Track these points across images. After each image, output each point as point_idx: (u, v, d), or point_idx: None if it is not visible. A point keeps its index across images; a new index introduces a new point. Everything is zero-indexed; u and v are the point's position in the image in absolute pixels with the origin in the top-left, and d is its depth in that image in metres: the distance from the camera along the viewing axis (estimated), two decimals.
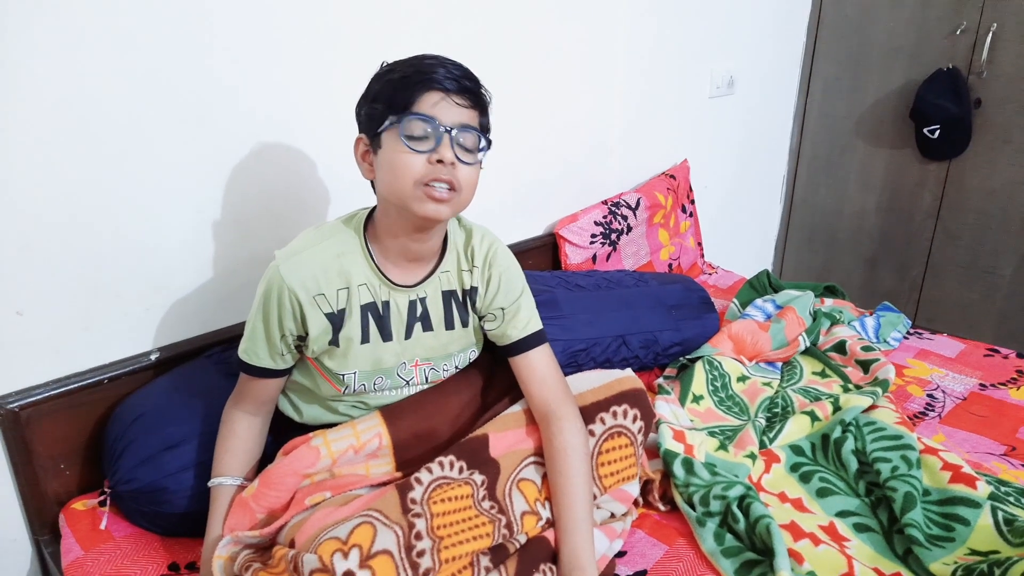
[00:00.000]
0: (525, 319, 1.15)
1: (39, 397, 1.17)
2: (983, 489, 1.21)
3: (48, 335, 1.19)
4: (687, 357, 1.68)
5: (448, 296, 1.11)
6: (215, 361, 1.28)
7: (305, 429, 1.12)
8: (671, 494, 1.26)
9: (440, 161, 0.95)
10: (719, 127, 2.50)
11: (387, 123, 0.96)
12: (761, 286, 2.07)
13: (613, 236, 1.99)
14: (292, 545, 0.93)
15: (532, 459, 1.11)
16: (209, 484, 1.09)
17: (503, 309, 1.14)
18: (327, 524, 0.90)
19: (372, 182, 1.05)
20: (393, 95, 0.96)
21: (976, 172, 2.51)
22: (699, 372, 1.58)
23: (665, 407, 1.45)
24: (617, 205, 2.03)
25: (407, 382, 1.12)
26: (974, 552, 1.12)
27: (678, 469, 1.26)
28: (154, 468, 1.13)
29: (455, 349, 1.14)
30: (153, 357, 1.29)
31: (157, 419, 1.17)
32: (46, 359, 1.20)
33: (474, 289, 1.12)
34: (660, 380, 1.63)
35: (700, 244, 2.38)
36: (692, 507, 1.21)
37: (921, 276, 2.75)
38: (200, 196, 1.30)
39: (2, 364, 1.15)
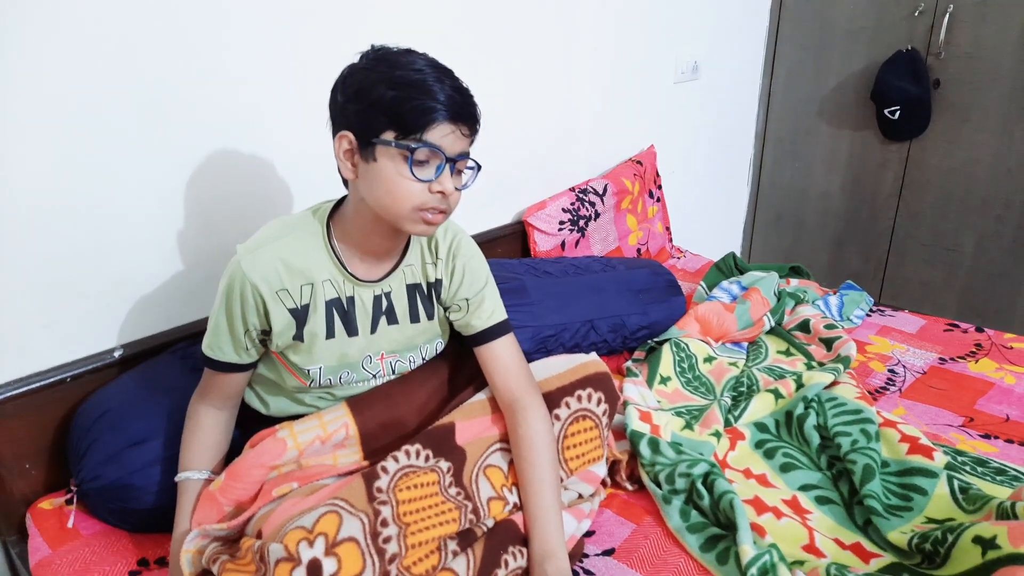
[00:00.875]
0: (489, 309, 1.16)
1: (1, 397, 1.16)
2: (940, 459, 1.24)
3: (8, 333, 1.18)
4: (655, 340, 1.71)
5: (413, 289, 1.12)
6: (180, 356, 1.28)
7: (273, 421, 1.12)
8: (638, 474, 1.28)
9: (441, 191, 0.96)
10: (685, 112, 2.52)
11: (388, 140, 0.94)
12: (728, 268, 2.09)
13: (581, 223, 2.00)
14: (259, 536, 0.94)
15: (498, 446, 1.12)
16: (176, 479, 1.09)
17: (467, 300, 1.15)
18: (293, 514, 0.91)
19: (347, 180, 1.03)
20: (400, 114, 0.93)
21: (936, 152, 2.56)
22: (666, 354, 1.61)
23: (633, 389, 1.47)
24: (584, 192, 2.04)
25: (373, 375, 1.13)
26: (931, 520, 1.15)
27: (644, 449, 1.28)
28: (120, 465, 1.13)
29: (421, 341, 1.15)
30: (117, 354, 1.28)
31: (122, 416, 1.17)
32: (7, 358, 1.19)
33: (439, 281, 1.13)
34: (628, 363, 1.65)
35: (668, 229, 2.40)
36: (658, 485, 1.24)
37: (885, 255, 2.80)
38: (162, 190, 1.29)
39: None
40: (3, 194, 1.13)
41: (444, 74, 0.96)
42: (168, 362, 1.27)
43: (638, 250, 2.21)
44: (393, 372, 1.15)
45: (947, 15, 2.38)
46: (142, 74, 1.21)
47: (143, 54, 1.21)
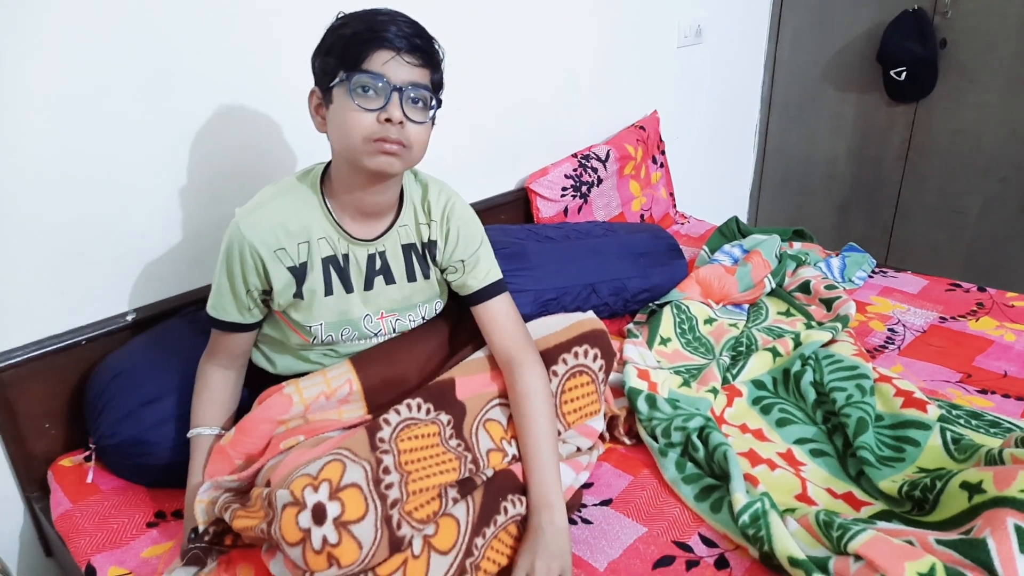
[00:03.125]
0: (484, 269, 1.19)
1: (20, 359, 1.21)
2: (933, 412, 1.27)
3: (26, 298, 1.22)
4: (656, 303, 1.73)
5: (408, 249, 1.14)
6: (189, 320, 1.32)
7: (280, 380, 1.16)
8: (636, 429, 1.31)
9: (388, 120, 0.97)
10: (688, 77, 2.52)
11: (337, 79, 0.97)
12: (730, 232, 2.11)
13: (583, 188, 2.02)
14: (268, 485, 0.98)
15: (497, 401, 1.15)
16: (188, 435, 1.13)
17: (463, 261, 1.17)
18: (300, 463, 0.95)
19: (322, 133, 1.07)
20: (344, 51, 0.97)
21: (943, 113, 2.54)
22: (667, 316, 1.63)
23: (633, 350, 1.50)
24: (587, 158, 2.05)
25: (375, 334, 1.16)
26: (922, 470, 1.18)
27: (642, 405, 1.31)
28: (135, 422, 1.17)
29: (419, 300, 1.18)
30: (130, 318, 1.32)
31: (136, 376, 1.21)
32: (24, 323, 1.23)
33: (433, 243, 1.15)
34: (629, 325, 1.67)
35: (672, 194, 2.41)
36: (655, 440, 1.27)
37: (891, 219, 2.79)
38: (167, 160, 1.33)
39: None
40: (15, 164, 1.16)
41: (401, 16, 0.99)
42: (178, 325, 1.31)
43: (641, 216, 2.22)
44: (394, 331, 1.18)
45: None
46: (141, 50, 1.24)
47: (143, 30, 1.23)
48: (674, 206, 2.41)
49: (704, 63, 2.55)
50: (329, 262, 1.08)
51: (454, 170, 1.80)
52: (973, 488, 0.98)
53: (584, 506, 1.16)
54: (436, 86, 1.03)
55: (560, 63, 2.02)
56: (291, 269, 1.06)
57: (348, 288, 1.10)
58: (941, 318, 1.71)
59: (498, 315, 1.17)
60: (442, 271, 1.19)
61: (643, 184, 2.24)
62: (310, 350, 1.14)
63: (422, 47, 0.99)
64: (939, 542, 0.92)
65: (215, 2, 1.30)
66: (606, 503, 1.17)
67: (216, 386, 1.14)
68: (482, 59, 1.79)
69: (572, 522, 1.13)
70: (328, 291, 1.09)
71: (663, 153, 2.37)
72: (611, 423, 1.31)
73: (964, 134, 2.52)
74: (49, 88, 1.17)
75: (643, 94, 2.35)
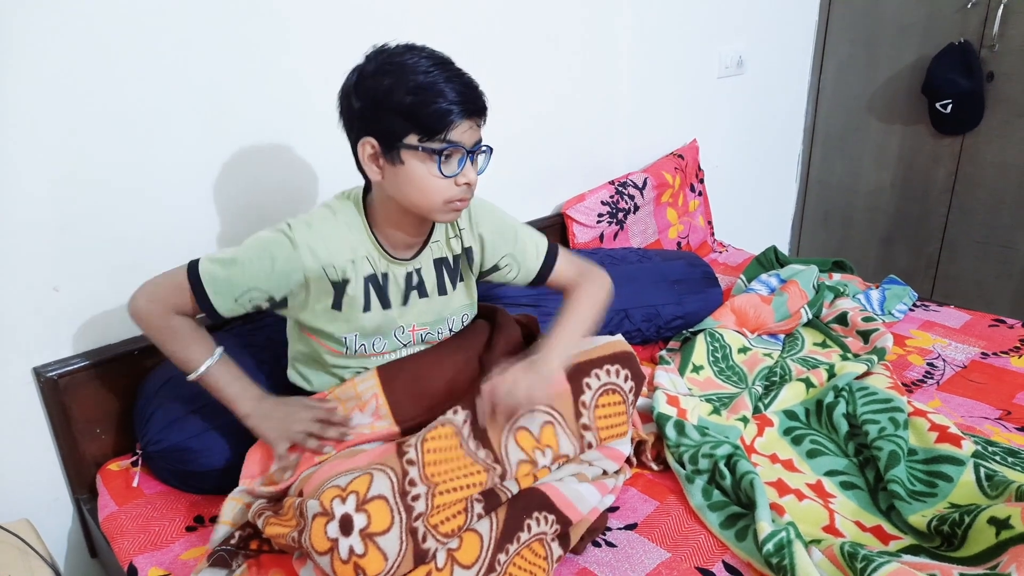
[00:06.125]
0: (533, 247, 1.26)
1: (76, 366, 1.28)
2: (968, 448, 1.25)
3: (83, 309, 1.30)
4: (690, 330, 1.74)
5: (440, 263, 1.20)
6: (235, 334, 1.38)
7: None
8: (664, 455, 1.32)
9: (467, 183, 1.06)
10: (729, 107, 2.53)
11: (414, 144, 1.02)
12: (768, 262, 2.10)
13: (620, 215, 2.04)
14: (301, 495, 1.02)
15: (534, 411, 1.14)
16: (197, 375, 1.11)
17: (511, 254, 1.24)
18: (331, 475, 0.98)
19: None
20: (420, 118, 1.00)
21: (990, 146, 2.50)
22: (700, 344, 1.64)
23: (664, 376, 1.50)
24: (624, 185, 2.08)
25: (404, 344, 1.20)
26: (954, 506, 1.16)
27: (670, 431, 1.32)
28: (180, 430, 1.23)
29: (448, 313, 1.22)
30: None
31: (183, 385, 1.25)
32: (82, 331, 1.30)
33: (468, 250, 1.21)
34: (662, 352, 1.68)
35: (710, 223, 2.42)
36: (682, 466, 1.27)
37: (937, 253, 2.75)
38: (220, 178, 1.40)
39: (42, 336, 1.26)
40: (80, 187, 1.24)
41: (451, 71, 1.03)
42: (223, 339, 1.36)
43: (678, 243, 2.23)
44: (423, 342, 1.22)
45: (1001, 6, 2.33)
46: (195, 87, 1.32)
47: (196, 67, 1.32)
48: (712, 234, 2.42)
49: (745, 93, 2.57)
50: (370, 280, 1.13)
51: (491, 194, 1.84)
52: (1001, 523, 0.97)
53: (609, 529, 1.17)
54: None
55: (598, 91, 2.06)
56: (334, 283, 1.10)
57: (386, 304, 1.15)
58: (983, 354, 1.68)
59: (567, 272, 1.28)
60: (491, 272, 1.25)
61: (680, 212, 2.25)
62: (344, 368, 1.18)
63: (483, 108, 1.06)
64: None
65: (262, 31, 1.38)
66: (631, 527, 1.18)
67: (188, 327, 1.12)
68: (520, 85, 1.84)
69: (596, 544, 1.14)
70: (367, 307, 1.13)
71: (702, 182, 2.38)
72: (638, 448, 1.32)
73: (1012, 167, 2.47)
74: (117, 115, 1.25)
75: (682, 123, 2.37)
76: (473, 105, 1.03)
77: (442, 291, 1.20)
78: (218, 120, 1.37)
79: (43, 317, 1.26)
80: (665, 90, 2.26)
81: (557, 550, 1.07)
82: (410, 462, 0.99)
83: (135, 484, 1.28)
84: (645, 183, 2.11)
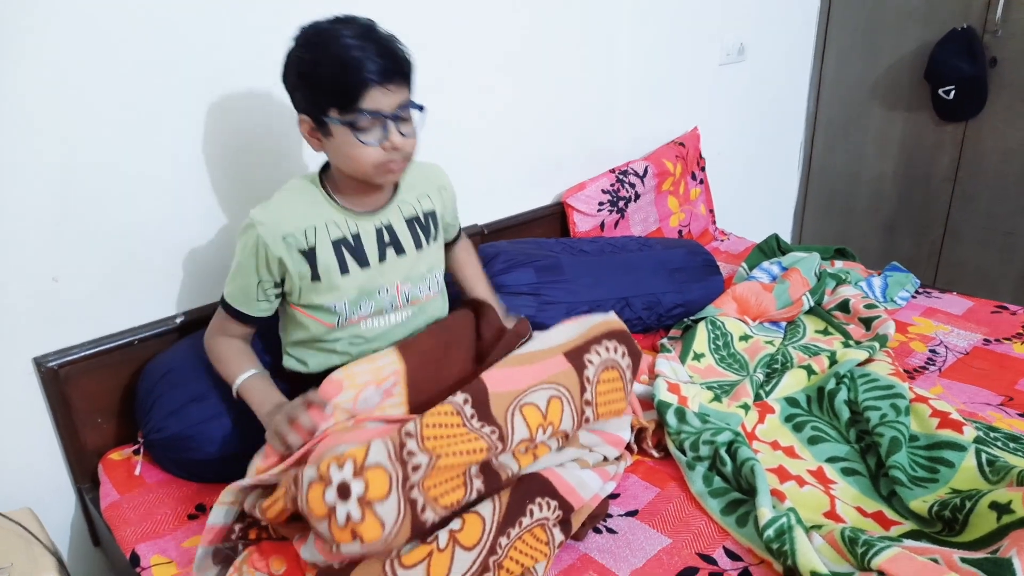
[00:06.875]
0: (457, 220, 1.41)
1: (76, 356, 1.28)
2: (969, 434, 1.25)
3: (83, 300, 1.30)
4: (691, 318, 1.73)
5: (412, 221, 1.24)
6: None
7: (316, 380, 1.19)
8: (664, 443, 1.32)
9: (393, 147, 1.08)
10: (731, 95, 2.52)
11: (333, 117, 1.07)
12: (770, 249, 2.10)
13: (620, 204, 2.03)
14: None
15: (539, 387, 1.11)
16: (236, 387, 1.16)
17: (452, 224, 1.39)
18: (330, 446, 0.98)
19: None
20: (335, 91, 1.05)
21: (993, 132, 2.49)
22: (701, 332, 1.63)
23: (664, 364, 1.50)
24: (624, 173, 2.07)
25: (391, 304, 1.22)
26: (955, 491, 1.16)
27: (671, 418, 1.32)
28: (181, 418, 1.23)
29: (424, 269, 1.25)
30: (179, 320, 1.39)
31: (184, 375, 1.27)
32: (82, 322, 1.30)
33: (435, 212, 1.28)
34: (663, 340, 1.68)
35: (712, 211, 2.41)
36: (683, 453, 1.27)
37: (940, 240, 2.74)
38: (217, 168, 1.40)
39: (42, 326, 1.26)
40: (78, 177, 1.24)
41: (366, 39, 1.05)
42: None
43: (680, 232, 2.23)
44: (407, 301, 1.23)
45: None
46: (194, 75, 1.32)
47: (195, 54, 1.31)
48: (714, 223, 2.41)
49: (747, 81, 2.56)
50: (340, 243, 1.16)
51: (491, 183, 1.85)
52: (1002, 508, 0.97)
53: (610, 516, 1.17)
54: (411, 90, 1.12)
55: (598, 79, 2.05)
56: (302, 252, 1.13)
57: (363, 263, 1.17)
58: (985, 340, 1.67)
59: (464, 249, 1.44)
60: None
61: (682, 200, 2.24)
62: (337, 340, 1.19)
63: (397, 70, 1.07)
64: (964, 560, 0.91)
65: (263, 20, 1.37)
66: (632, 514, 1.18)
67: (235, 346, 1.20)
68: (520, 73, 1.83)
69: (597, 531, 1.14)
70: (344, 270, 1.16)
71: (703, 170, 2.37)
72: (639, 435, 1.32)
73: (1015, 154, 2.46)
74: (116, 104, 1.25)
75: (683, 111, 2.36)
76: (385, 70, 1.05)
77: (418, 246, 1.24)
78: (219, 108, 1.36)
79: (43, 307, 1.26)
80: (666, 78, 2.25)
81: (559, 536, 1.07)
82: (408, 434, 0.97)
83: (137, 473, 1.28)
84: (646, 171, 2.10)
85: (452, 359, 1.22)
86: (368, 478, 0.91)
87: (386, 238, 1.20)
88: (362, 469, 0.91)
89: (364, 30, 1.07)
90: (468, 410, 1.05)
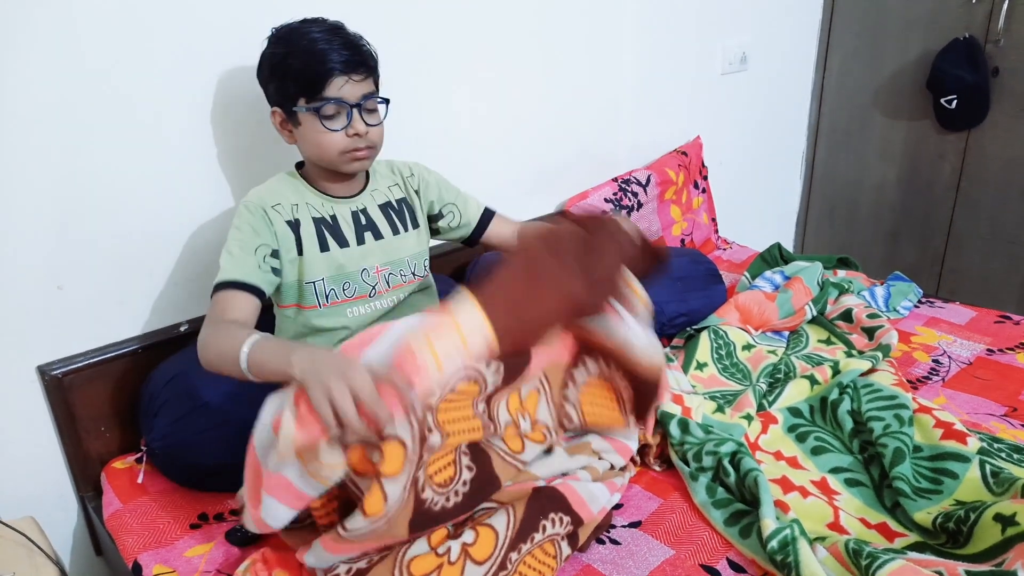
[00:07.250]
0: (475, 203, 1.40)
1: (80, 365, 1.28)
2: (973, 445, 1.24)
3: (87, 308, 1.30)
4: (693, 327, 1.73)
5: (386, 207, 1.29)
6: None
7: None
8: (667, 454, 1.32)
9: (356, 134, 1.14)
10: (733, 103, 2.52)
11: (302, 106, 1.14)
12: (772, 258, 2.10)
13: (623, 212, 2.04)
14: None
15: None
16: (242, 359, 0.96)
17: (454, 203, 1.37)
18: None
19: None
20: (302, 81, 1.12)
21: (995, 141, 2.49)
22: (704, 341, 1.63)
23: (667, 374, 1.50)
24: (627, 182, 2.08)
25: (373, 287, 1.25)
26: (959, 503, 1.16)
27: (674, 429, 1.32)
28: (185, 426, 1.23)
29: (406, 255, 1.28)
30: (183, 329, 1.39)
31: (188, 383, 1.27)
32: (86, 330, 1.31)
33: (415, 193, 1.33)
34: (666, 350, 1.68)
35: (714, 220, 2.41)
36: (686, 463, 1.27)
37: (942, 248, 2.74)
38: (224, 179, 1.40)
39: (46, 334, 1.27)
40: (83, 185, 1.25)
41: (333, 34, 1.13)
42: None
43: (682, 241, 2.23)
44: (388, 284, 1.26)
45: (1007, 1, 2.32)
46: (196, 89, 1.33)
47: (203, 70, 1.33)
48: (716, 231, 2.41)
49: (749, 89, 2.56)
50: (320, 222, 1.21)
51: (493, 191, 1.85)
52: (1006, 520, 0.96)
53: (613, 527, 1.17)
54: (378, 85, 1.20)
55: (600, 88, 2.05)
56: (288, 223, 1.18)
57: (342, 242, 1.22)
58: (988, 350, 1.67)
59: (503, 230, 1.41)
60: (437, 219, 1.36)
61: (684, 209, 2.25)
62: (322, 317, 1.21)
63: (361, 62, 1.14)
64: (969, 573, 0.90)
65: (266, 22, 1.37)
66: (635, 525, 1.17)
67: (233, 326, 1.05)
68: (523, 82, 1.83)
69: (600, 542, 1.14)
70: (323, 247, 1.20)
71: (705, 179, 2.37)
72: (643, 450, 1.32)
73: (1017, 162, 2.46)
74: (120, 109, 1.25)
75: (686, 120, 2.36)
76: (348, 60, 1.11)
77: (395, 231, 1.28)
78: (225, 115, 1.37)
79: (47, 315, 1.26)
80: (668, 86, 2.26)
81: (566, 549, 1.07)
82: (429, 407, 0.94)
83: (140, 481, 1.28)
84: (648, 180, 2.11)
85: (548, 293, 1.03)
86: (385, 451, 0.88)
87: (363, 221, 1.25)
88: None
89: (332, 27, 1.14)
90: (491, 387, 1.01)
